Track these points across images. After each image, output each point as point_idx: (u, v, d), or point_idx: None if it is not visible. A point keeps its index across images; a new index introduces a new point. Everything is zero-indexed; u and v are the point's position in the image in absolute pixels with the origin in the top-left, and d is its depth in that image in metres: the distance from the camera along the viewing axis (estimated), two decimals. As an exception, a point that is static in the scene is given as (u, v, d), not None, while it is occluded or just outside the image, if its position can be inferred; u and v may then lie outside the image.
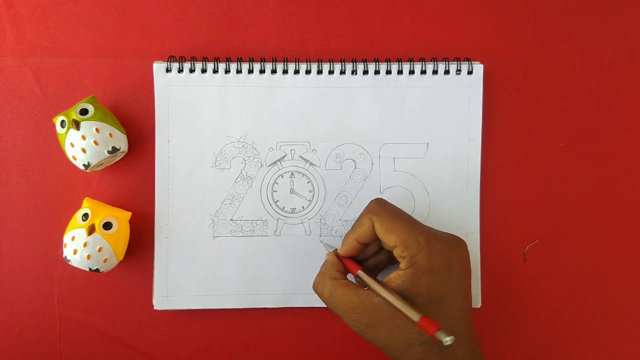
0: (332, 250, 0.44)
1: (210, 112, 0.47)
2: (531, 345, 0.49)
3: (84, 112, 0.43)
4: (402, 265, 0.39)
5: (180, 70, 0.46)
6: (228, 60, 0.47)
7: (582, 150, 0.49)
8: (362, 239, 0.41)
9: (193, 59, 0.46)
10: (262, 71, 0.47)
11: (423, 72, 0.47)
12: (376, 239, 0.41)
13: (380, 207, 0.40)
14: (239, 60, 0.47)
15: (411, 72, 0.47)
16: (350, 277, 0.42)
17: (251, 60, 0.47)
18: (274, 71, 0.47)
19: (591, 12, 0.49)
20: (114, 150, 0.44)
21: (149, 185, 0.47)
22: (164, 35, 0.48)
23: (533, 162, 0.49)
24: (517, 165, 0.49)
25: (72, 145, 0.43)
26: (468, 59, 0.47)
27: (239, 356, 0.48)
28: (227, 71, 0.47)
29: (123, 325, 0.48)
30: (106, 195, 0.47)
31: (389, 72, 0.47)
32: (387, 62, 0.47)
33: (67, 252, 0.43)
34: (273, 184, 0.47)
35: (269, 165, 0.47)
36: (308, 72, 0.47)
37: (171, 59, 0.46)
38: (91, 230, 0.43)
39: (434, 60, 0.47)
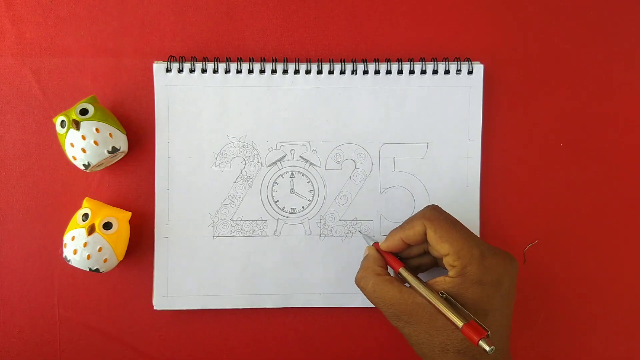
0: (371, 243, 0.44)
1: (210, 112, 0.47)
2: (531, 345, 0.49)
3: (84, 112, 0.43)
4: (451, 273, 0.38)
5: (180, 70, 0.46)
6: (228, 60, 0.47)
7: (582, 150, 0.49)
8: (409, 240, 0.41)
9: (193, 59, 0.46)
10: (262, 71, 0.47)
11: (423, 72, 0.47)
12: (423, 242, 0.41)
13: (436, 214, 0.40)
14: (239, 60, 0.47)
15: (411, 72, 0.47)
16: (390, 270, 0.42)
17: (251, 60, 0.47)
18: (274, 71, 0.47)
19: (591, 12, 0.49)
20: (114, 150, 0.44)
21: (149, 185, 0.47)
22: (164, 35, 0.48)
23: (533, 162, 0.49)
24: (517, 165, 0.49)
25: (72, 145, 0.43)
26: (468, 59, 0.47)
27: (239, 356, 0.48)
28: (227, 71, 0.47)
29: (123, 325, 0.48)
30: (106, 195, 0.47)
31: (389, 72, 0.47)
32: (387, 62, 0.47)
33: (67, 252, 0.43)
34: (273, 184, 0.47)
35: (269, 165, 0.47)
36: (308, 72, 0.47)
37: (171, 59, 0.46)
38: (91, 230, 0.43)
39: (434, 60, 0.47)
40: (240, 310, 0.47)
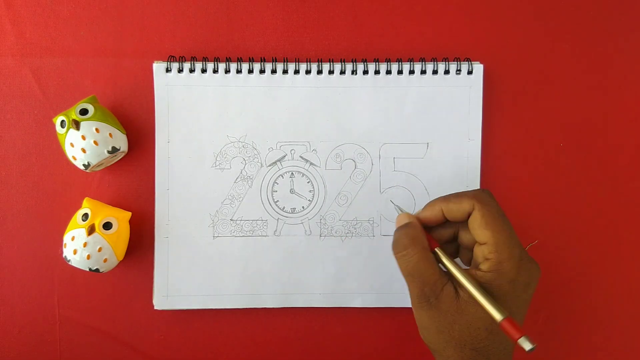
0: (403, 212, 0.41)
1: (210, 112, 0.47)
2: (531, 345, 0.49)
3: (84, 112, 0.43)
4: (484, 266, 0.36)
5: (180, 70, 0.46)
6: (228, 60, 0.47)
7: (582, 150, 0.49)
8: (450, 214, 0.38)
9: (193, 59, 0.46)
10: (262, 71, 0.47)
11: (423, 72, 0.47)
12: (461, 221, 0.39)
13: (488, 199, 0.38)
14: (239, 60, 0.47)
15: (411, 72, 0.47)
16: None
17: (251, 60, 0.47)
18: (274, 71, 0.47)
19: (591, 12, 0.49)
20: (114, 150, 0.44)
21: (149, 185, 0.47)
22: (164, 35, 0.48)
23: (533, 162, 0.49)
24: (517, 165, 0.49)
25: (72, 145, 0.43)
26: (468, 59, 0.47)
27: (239, 356, 0.48)
28: (227, 71, 0.47)
29: (123, 325, 0.48)
30: (106, 195, 0.47)
31: (389, 72, 0.47)
32: (387, 62, 0.47)
33: (67, 252, 0.43)
34: (273, 184, 0.47)
35: (269, 165, 0.47)
36: (308, 72, 0.47)
37: (171, 59, 0.46)
38: (91, 230, 0.43)
39: (434, 60, 0.47)
40: (240, 310, 0.47)
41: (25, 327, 0.47)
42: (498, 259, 0.36)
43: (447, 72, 0.47)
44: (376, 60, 0.47)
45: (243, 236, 0.47)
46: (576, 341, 0.49)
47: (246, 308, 0.47)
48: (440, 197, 0.39)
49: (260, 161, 0.47)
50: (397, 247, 0.38)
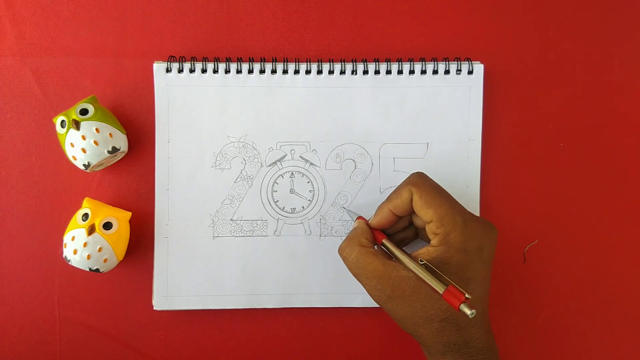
0: (355, 217, 0.44)
1: (210, 112, 0.47)
2: (531, 345, 0.49)
3: (84, 112, 0.43)
4: (434, 241, 0.38)
5: (180, 71, 0.46)
6: (228, 60, 0.47)
7: (582, 150, 0.49)
8: (397, 210, 0.41)
9: (193, 59, 0.46)
10: (262, 71, 0.47)
11: (423, 72, 0.47)
12: (410, 212, 0.41)
13: (421, 180, 0.40)
14: (239, 60, 0.47)
15: (411, 72, 0.47)
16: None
17: (251, 60, 0.47)
18: (274, 71, 0.47)
19: (591, 12, 0.49)
20: (114, 150, 0.44)
21: (149, 185, 0.47)
22: (164, 35, 0.48)
23: (533, 162, 0.49)
24: (517, 165, 0.49)
25: (72, 145, 0.43)
26: (468, 59, 0.47)
27: (239, 356, 0.48)
28: (227, 71, 0.47)
29: (123, 325, 0.48)
30: (106, 195, 0.47)
31: (389, 72, 0.47)
32: (387, 62, 0.47)
33: (67, 252, 0.43)
34: (273, 184, 0.47)
35: (269, 165, 0.47)
36: (308, 72, 0.47)
37: (171, 59, 0.46)
38: (91, 230, 0.43)
39: (434, 60, 0.47)
40: (240, 310, 0.48)
41: (25, 327, 0.47)
42: (444, 232, 0.38)
43: (447, 72, 0.47)
44: (376, 60, 0.47)
45: (243, 236, 0.47)
46: (576, 341, 0.49)
47: (246, 308, 0.47)
48: (385, 200, 0.42)
49: (260, 161, 0.47)
50: (339, 251, 0.41)
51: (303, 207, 0.47)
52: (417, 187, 0.39)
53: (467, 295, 0.35)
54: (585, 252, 0.49)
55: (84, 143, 0.43)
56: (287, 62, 0.47)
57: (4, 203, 0.47)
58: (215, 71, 0.46)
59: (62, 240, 0.44)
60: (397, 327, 0.48)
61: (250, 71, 0.47)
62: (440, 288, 0.36)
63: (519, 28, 0.49)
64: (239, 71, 0.47)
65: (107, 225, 0.44)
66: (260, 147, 0.47)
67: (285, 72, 0.47)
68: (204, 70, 0.46)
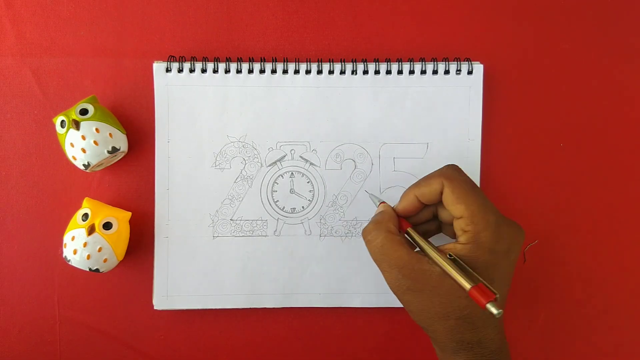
0: (378, 202, 0.42)
1: (210, 112, 0.47)
2: (531, 345, 0.49)
3: (84, 112, 0.43)
4: (462, 239, 0.37)
5: (180, 70, 0.46)
6: (228, 60, 0.47)
7: (582, 150, 0.49)
8: (424, 198, 0.39)
9: (193, 59, 0.46)
10: (262, 71, 0.47)
11: (423, 72, 0.47)
12: (437, 202, 0.39)
13: (455, 174, 0.39)
14: (239, 60, 0.47)
15: (411, 72, 0.47)
16: None
17: (251, 60, 0.47)
18: (274, 71, 0.47)
19: (591, 12, 0.49)
20: (114, 150, 0.44)
21: (149, 185, 0.47)
22: (164, 35, 0.48)
23: (533, 162, 0.49)
24: (517, 165, 0.49)
25: (72, 145, 0.43)
26: (468, 59, 0.47)
27: (239, 356, 0.48)
28: (227, 71, 0.47)
29: (123, 325, 0.48)
30: (106, 195, 0.47)
31: (389, 72, 0.47)
32: (387, 62, 0.47)
33: (67, 252, 0.43)
34: (273, 184, 0.47)
35: (269, 165, 0.47)
36: (308, 72, 0.47)
37: (171, 59, 0.46)
38: (91, 230, 0.43)
39: (434, 60, 0.47)
40: (240, 310, 0.48)
41: (25, 327, 0.47)
42: (475, 230, 0.37)
43: (447, 72, 0.47)
44: (376, 60, 0.47)
45: (243, 236, 0.47)
46: (576, 341, 0.49)
47: (246, 308, 0.47)
48: (412, 184, 0.40)
49: (260, 161, 0.47)
50: (363, 234, 0.40)
51: (303, 207, 0.47)
52: (450, 180, 0.38)
53: (497, 295, 0.34)
54: (586, 251, 0.49)
55: (84, 143, 0.43)
56: (287, 62, 0.47)
57: (4, 203, 0.47)
58: (215, 71, 0.46)
59: (62, 240, 0.44)
60: (397, 328, 0.48)
61: (250, 71, 0.47)
62: (467, 284, 0.35)
63: (519, 28, 0.49)
64: (239, 71, 0.47)
65: (107, 225, 0.44)
66: (260, 147, 0.47)
67: (285, 72, 0.47)
68: (203, 70, 0.46)
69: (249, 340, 0.48)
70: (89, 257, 0.43)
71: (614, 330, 0.49)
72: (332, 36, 0.48)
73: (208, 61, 0.47)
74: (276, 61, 0.47)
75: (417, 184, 0.40)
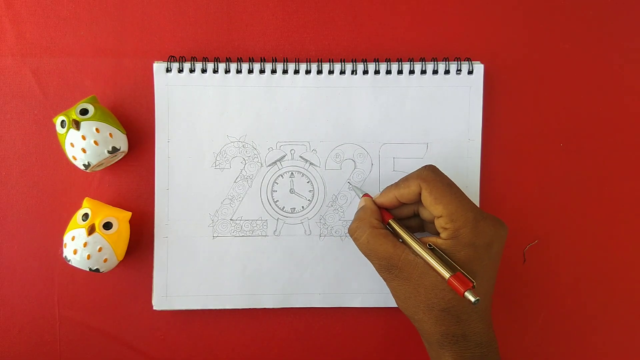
0: (362, 194, 0.44)
1: (210, 112, 0.47)
2: (531, 345, 0.49)
3: (84, 112, 0.43)
4: (443, 235, 0.39)
5: (180, 70, 0.46)
6: (228, 60, 0.47)
7: (582, 150, 0.49)
8: (403, 198, 0.41)
9: (193, 59, 0.46)
10: (262, 71, 0.47)
11: (423, 72, 0.47)
12: (416, 202, 0.41)
13: (432, 175, 0.40)
14: (239, 60, 0.47)
15: (411, 72, 0.47)
16: None
17: (251, 60, 0.47)
18: (274, 71, 0.47)
19: (591, 12, 0.49)
20: (114, 150, 0.44)
21: (149, 185, 0.47)
22: (164, 35, 0.48)
23: (533, 162, 0.49)
24: (517, 165, 0.49)
25: (72, 145, 0.43)
26: (468, 59, 0.47)
27: (239, 356, 0.48)
28: (227, 71, 0.47)
29: (123, 325, 0.48)
30: (106, 195, 0.47)
31: (389, 72, 0.47)
32: (387, 62, 0.47)
33: (67, 252, 0.43)
34: (273, 184, 0.47)
35: (269, 165, 0.47)
36: (308, 72, 0.47)
37: (171, 59, 0.46)
38: (91, 230, 0.43)
39: (434, 60, 0.47)
40: (240, 310, 0.47)
41: (25, 327, 0.47)
42: (454, 227, 0.38)
43: (447, 72, 0.47)
44: (376, 60, 0.47)
45: (243, 236, 0.47)
46: (576, 341, 0.49)
47: (246, 308, 0.47)
48: (393, 183, 0.42)
49: (260, 161, 0.47)
50: (349, 232, 0.42)
51: (303, 207, 0.47)
52: (427, 182, 0.39)
53: (474, 283, 0.35)
54: (586, 251, 0.49)
55: (84, 143, 0.43)
56: (287, 62, 0.47)
57: (4, 203, 0.47)
58: (215, 71, 0.46)
59: (62, 240, 0.44)
60: (396, 328, 0.48)
61: (250, 71, 0.47)
62: (446, 273, 0.37)
63: (520, 28, 0.49)
64: (238, 71, 0.47)
65: (107, 225, 0.44)
66: (260, 147, 0.47)
67: (285, 72, 0.47)
68: (203, 70, 0.46)
69: (249, 340, 0.48)
70: (89, 257, 0.43)
71: (614, 330, 0.49)
72: (332, 36, 0.48)
73: (208, 61, 0.47)
74: (276, 61, 0.47)
75: (396, 185, 0.41)
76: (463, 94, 0.47)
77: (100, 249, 0.43)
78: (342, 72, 0.47)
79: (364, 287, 0.47)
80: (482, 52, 0.48)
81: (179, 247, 0.47)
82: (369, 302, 0.47)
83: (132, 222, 0.46)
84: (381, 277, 0.41)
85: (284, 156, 0.47)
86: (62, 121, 0.43)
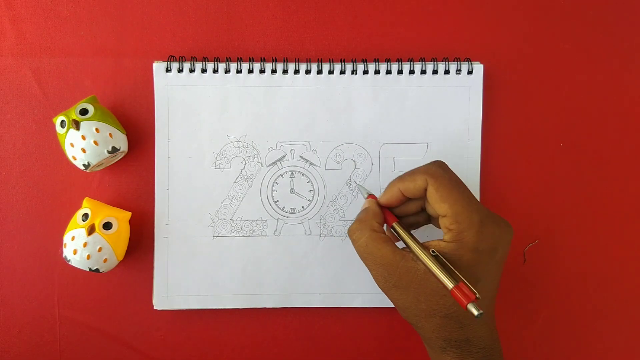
0: (367, 195, 0.42)
1: (210, 112, 0.47)
2: (531, 345, 0.49)
3: (84, 112, 0.43)
4: (447, 237, 0.37)
5: (180, 70, 0.46)
6: (228, 60, 0.47)
7: (582, 150, 0.49)
8: (408, 193, 0.39)
9: (193, 59, 0.46)
10: (262, 71, 0.47)
11: (423, 72, 0.47)
12: (421, 197, 0.39)
13: (440, 172, 0.38)
14: (239, 60, 0.47)
15: (411, 72, 0.47)
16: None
17: (251, 60, 0.47)
18: (274, 71, 0.47)
19: (591, 12, 0.49)
20: (114, 150, 0.44)
21: (149, 185, 0.47)
22: (164, 35, 0.48)
23: (533, 162, 0.49)
24: (517, 165, 0.49)
25: (72, 145, 0.43)
26: (468, 59, 0.47)
27: (239, 356, 0.48)
28: (227, 71, 0.47)
29: (123, 325, 0.48)
30: (106, 195, 0.47)
31: (389, 72, 0.47)
32: (387, 62, 0.47)
33: (67, 252, 0.43)
34: (273, 184, 0.47)
35: (269, 165, 0.47)
36: (308, 72, 0.47)
37: (171, 59, 0.46)
38: (91, 230, 0.43)
39: (434, 60, 0.47)
40: (240, 310, 0.47)
41: (25, 327, 0.47)
42: (458, 229, 0.36)
43: (447, 72, 0.47)
44: (376, 60, 0.47)
45: (243, 236, 0.47)
46: (576, 341, 0.49)
47: (246, 308, 0.47)
48: (397, 177, 0.40)
49: (260, 161, 0.47)
50: (348, 233, 0.40)
51: (303, 207, 0.47)
52: (435, 178, 0.38)
53: (477, 296, 0.34)
54: (586, 252, 0.49)
55: (84, 143, 0.43)
56: (287, 62, 0.47)
57: (4, 203, 0.47)
58: (215, 71, 0.46)
59: (62, 240, 0.44)
60: (396, 328, 0.48)
61: (250, 71, 0.47)
62: (449, 284, 0.35)
63: (519, 28, 0.49)
64: (238, 71, 0.47)
65: (107, 225, 0.44)
66: (260, 147, 0.47)
67: (285, 72, 0.47)
68: (203, 70, 0.46)
69: (249, 340, 0.48)
70: (89, 257, 0.43)
71: (614, 330, 0.49)
72: (332, 36, 0.48)
73: (208, 61, 0.47)
74: (276, 61, 0.47)
75: (401, 178, 0.40)
76: (463, 94, 0.47)
77: (100, 249, 0.43)
78: (342, 72, 0.47)
79: (364, 287, 0.47)
80: (482, 52, 0.48)
81: (179, 247, 0.47)
82: (369, 302, 0.47)
83: (132, 222, 0.46)
84: (380, 289, 0.39)
85: (284, 156, 0.47)
86: (62, 121, 0.43)
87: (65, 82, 0.47)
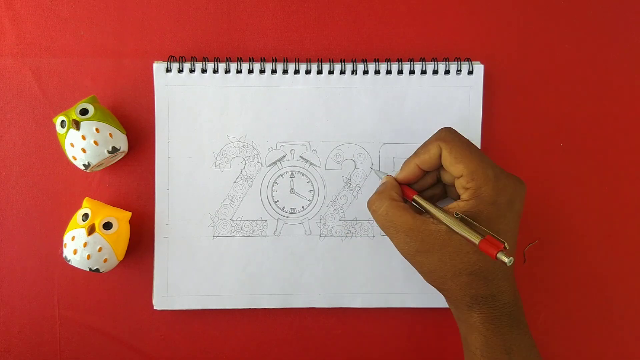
0: (383, 176, 0.44)
1: (210, 112, 0.47)
2: (531, 345, 0.49)
3: (84, 112, 0.43)
4: (465, 196, 0.38)
5: (180, 70, 0.46)
6: (228, 60, 0.47)
7: (582, 150, 0.49)
8: (424, 165, 0.40)
9: (193, 59, 0.46)
10: (262, 71, 0.47)
11: (423, 72, 0.47)
12: (437, 168, 0.41)
13: (451, 136, 0.40)
14: (239, 60, 0.47)
15: (411, 72, 0.47)
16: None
17: (251, 60, 0.47)
18: (274, 71, 0.47)
19: (591, 12, 0.49)
20: (114, 150, 0.44)
21: (149, 185, 0.47)
22: (164, 35, 0.48)
23: (533, 162, 0.49)
24: (517, 165, 0.49)
25: (72, 145, 0.43)
26: (468, 59, 0.47)
27: (239, 356, 0.48)
28: (227, 71, 0.47)
29: (123, 325, 0.48)
30: (106, 195, 0.47)
31: (389, 72, 0.47)
32: (387, 62, 0.47)
33: (67, 252, 0.43)
34: (273, 184, 0.47)
35: (269, 165, 0.47)
36: (308, 72, 0.47)
37: (171, 59, 0.46)
38: (91, 230, 0.43)
39: (434, 60, 0.47)
40: (240, 310, 0.48)
41: (25, 327, 0.47)
42: (475, 186, 0.38)
43: (447, 72, 0.47)
44: (376, 60, 0.47)
45: (243, 236, 0.47)
46: (576, 341, 0.49)
47: (246, 308, 0.47)
48: (412, 154, 0.41)
49: (260, 161, 0.47)
50: (368, 205, 0.41)
51: (303, 207, 0.47)
52: (447, 142, 0.39)
53: (505, 245, 0.35)
54: (585, 252, 0.49)
55: (84, 143, 0.43)
56: (287, 62, 0.47)
57: (4, 203, 0.47)
58: (215, 71, 0.46)
59: (62, 240, 0.44)
60: (396, 328, 0.48)
61: (250, 71, 0.47)
62: (476, 239, 0.36)
63: (519, 28, 0.49)
64: (238, 71, 0.47)
65: (107, 225, 0.44)
66: (260, 147, 0.47)
67: (285, 72, 0.47)
68: (203, 70, 0.46)
69: (249, 341, 0.48)
70: (89, 257, 0.43)
71: (614, 330, 0.49)
72: (332, 36, 0.48)
73: (208, 61, 0.47)
74: (276, 61, 0.47)
75: (416, 153, 0.41)
76: (463, 94, 0.47)
77: (100, 249, 0.43)
78: (342, 72, 0.47)
79: (364, 288, 0.47)
80: (482, 52, 0.48)
81: (179, 247, 0.47)
82: (369, 303, 0.47)
83: (132, 222, 0.46)
84: (403, 257, 0.40)
85: (284, 156, 0.47)
86: (62, 121, 0.43)
87: (65, 82, 0.47)
